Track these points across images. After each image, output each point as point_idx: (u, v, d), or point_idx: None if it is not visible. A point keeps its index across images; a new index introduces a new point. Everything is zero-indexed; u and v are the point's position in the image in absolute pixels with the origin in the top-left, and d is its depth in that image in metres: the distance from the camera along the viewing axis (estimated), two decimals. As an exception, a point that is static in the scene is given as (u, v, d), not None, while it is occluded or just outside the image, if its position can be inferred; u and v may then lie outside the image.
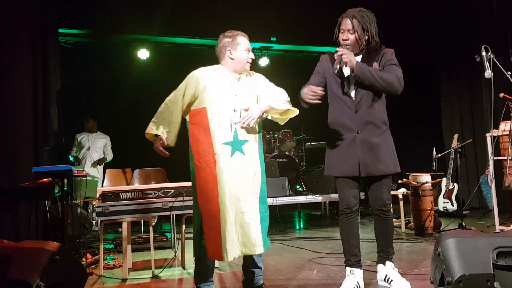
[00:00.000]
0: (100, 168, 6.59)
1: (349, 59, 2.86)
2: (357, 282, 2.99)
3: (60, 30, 5.97)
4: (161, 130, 2.86)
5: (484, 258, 2.28)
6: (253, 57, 2.96)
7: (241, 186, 2.81)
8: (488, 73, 3.37)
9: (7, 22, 4.61)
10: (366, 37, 2.95)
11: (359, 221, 3.20)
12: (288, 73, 7.95)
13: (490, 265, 2.26)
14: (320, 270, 3.63)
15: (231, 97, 2.87)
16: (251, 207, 2.84)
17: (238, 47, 2.88)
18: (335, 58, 2.92)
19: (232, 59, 2.89)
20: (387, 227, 3.11)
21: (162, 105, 2.93)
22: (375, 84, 2.89)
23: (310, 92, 2.84)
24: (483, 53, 3.40)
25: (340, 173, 3.03)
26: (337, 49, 2.94)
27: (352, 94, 2.98)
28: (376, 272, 3.22)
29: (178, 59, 7.15)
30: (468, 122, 7.19)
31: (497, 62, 3.34)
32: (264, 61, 7.75)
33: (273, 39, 7.28)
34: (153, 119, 2.91)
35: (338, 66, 2.92)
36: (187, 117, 2.93)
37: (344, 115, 2.99)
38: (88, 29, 6.52)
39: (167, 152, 2.87)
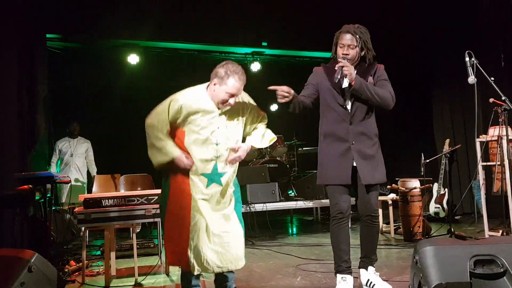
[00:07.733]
0: (84, 173, 6.54)
1: (349, 72, 2.92)
2: None
3: (49, 36, 5.96)
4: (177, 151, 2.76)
5: (461, 267, 2.25)
6: (232, 103, 2.78)
7: (217, 211, 2.80)
8: (471, 79, 3.35)
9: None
10: (363, 53, 3.05)
11: (349, 226, 3.22)
12: (280, 78, 7.87)
13: (467, 273, 2.23)
14: (304, 277, 3.59)
15: (215, 130, 2.80)
16: (229, 228, 2.81)
17: (223, 86, 2.74)
18: (336, 69, 2.97)
19: (214, 90, 2.78)
20: (373, 233, 3.17)
21: (158, 135, 2.74)
22: (371, 99, 3.00)
23: (280, 93, 2.85)
24: (467, 59, 3.37)
25: (335, 181, 3.08)
26: (339, 59, 3.00)
27: (348, 106, 3.07)
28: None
29: (168, 64, 7.08)
30: (460, 127, 7.16)
31: (480, 68, 3.32)
32: (255, 66, 7.71)
33: (264, 44, 7.25)
34: (159, 149, 2.74)
35: (338, 77, 2.97)
36: None
37: (339, 126, 3.07)
38: (77, 34, 6.48)
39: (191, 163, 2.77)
